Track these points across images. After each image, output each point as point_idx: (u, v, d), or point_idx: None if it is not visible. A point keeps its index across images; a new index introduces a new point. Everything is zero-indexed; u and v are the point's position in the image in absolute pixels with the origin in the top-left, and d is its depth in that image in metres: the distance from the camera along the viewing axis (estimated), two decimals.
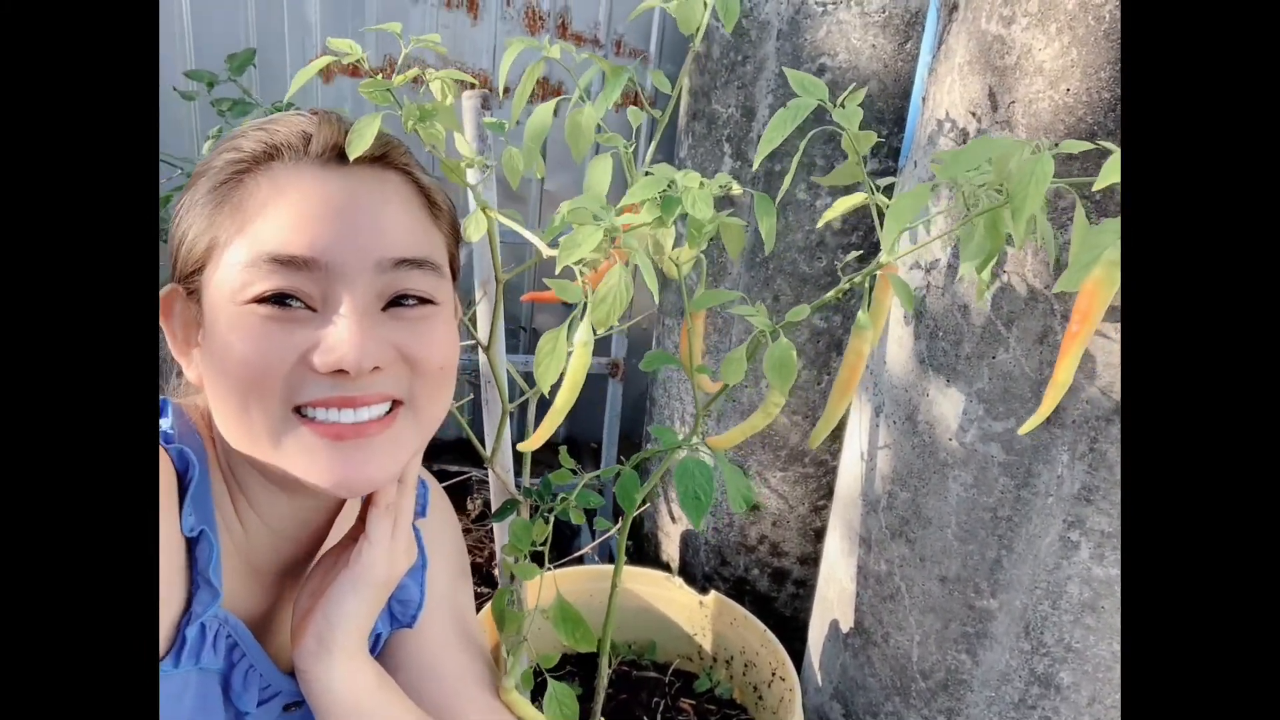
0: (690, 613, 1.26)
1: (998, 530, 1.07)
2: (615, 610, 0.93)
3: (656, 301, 0.67)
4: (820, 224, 0.76)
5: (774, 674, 1.17)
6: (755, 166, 0.67)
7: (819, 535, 1.74)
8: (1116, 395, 0.94)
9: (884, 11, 1.34)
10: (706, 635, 1.25)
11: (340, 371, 0.60)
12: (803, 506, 1.72)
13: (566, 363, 0.66)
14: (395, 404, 0.65)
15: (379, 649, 0.83)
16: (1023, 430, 0.64)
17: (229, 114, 1.63)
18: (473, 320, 0.99)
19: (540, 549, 0.88)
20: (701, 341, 0.80)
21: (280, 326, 0.60)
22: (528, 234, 0.66)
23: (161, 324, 0.69)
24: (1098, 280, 0.54)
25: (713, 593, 1.26)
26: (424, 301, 0.65)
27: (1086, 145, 0.57)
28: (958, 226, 0.63)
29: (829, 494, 1.70)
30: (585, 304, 0.62)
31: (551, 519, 0.85)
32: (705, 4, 0.93)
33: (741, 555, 1.79)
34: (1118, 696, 1.08)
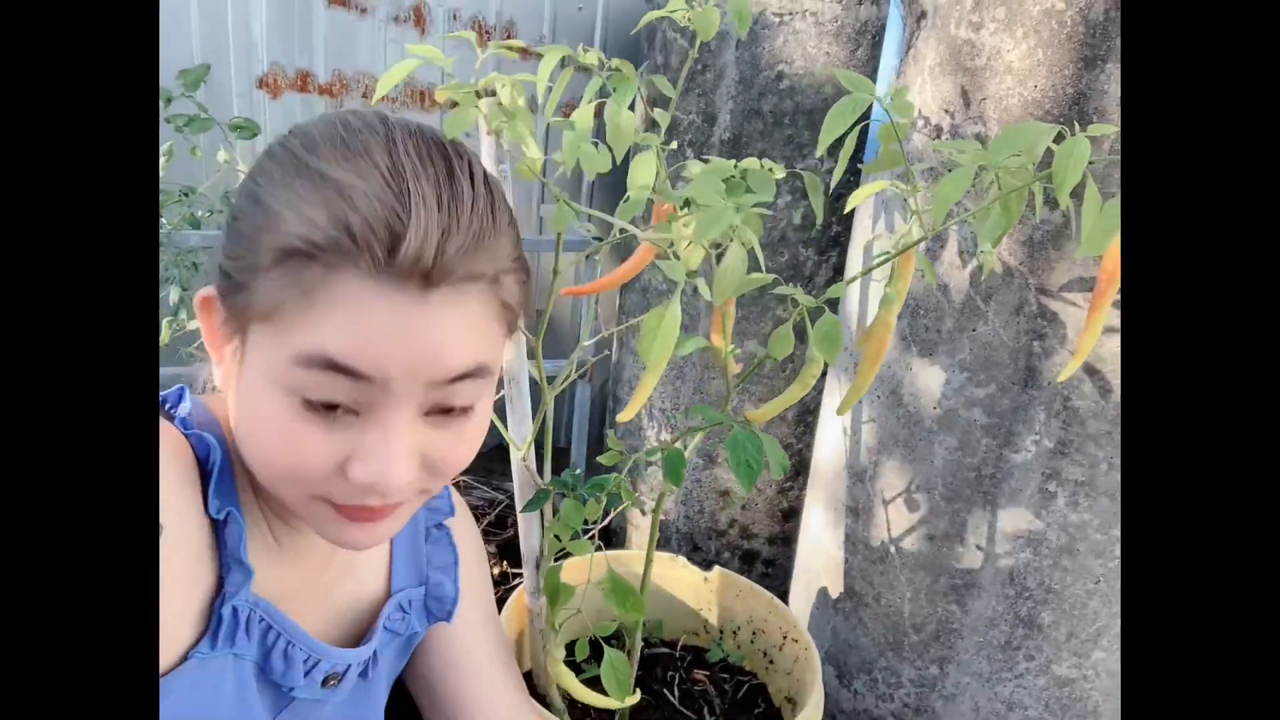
0: (695, 589, 1.33)
1: (982, 488, 1.17)
2: (649, 586, 0.99)
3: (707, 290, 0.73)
4: (848, 209, 0.84)
5: (785, 637, 1.25)
6: (820, 152, 0.75)
7: (786, 516, 1.83)
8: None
9: (836, 21, 1.44)
10: (712, 609, 1.32)
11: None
12: (770, 489, 1.81)
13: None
14: None
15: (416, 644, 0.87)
16: (1060, 378, 0.73)
17: (186, 130, 1.62)
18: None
19: (591, 526, 0.93)
20: (732, 325, 0.87)
21: (321, 430, 0.61)
22: (621, 222, 0.71)
23: (199, 318, 0.70)
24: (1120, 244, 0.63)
25: (716, 569, 1.33)
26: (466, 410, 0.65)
27: (1112, 128, 0.67)
28: (986, 205, 0.72)
29: (794, 475, 1.79)
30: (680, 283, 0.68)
31: (604, 501, 0.90)
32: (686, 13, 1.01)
33: (712, 540, 1.87)
34: (1091, 630, 1.20)
